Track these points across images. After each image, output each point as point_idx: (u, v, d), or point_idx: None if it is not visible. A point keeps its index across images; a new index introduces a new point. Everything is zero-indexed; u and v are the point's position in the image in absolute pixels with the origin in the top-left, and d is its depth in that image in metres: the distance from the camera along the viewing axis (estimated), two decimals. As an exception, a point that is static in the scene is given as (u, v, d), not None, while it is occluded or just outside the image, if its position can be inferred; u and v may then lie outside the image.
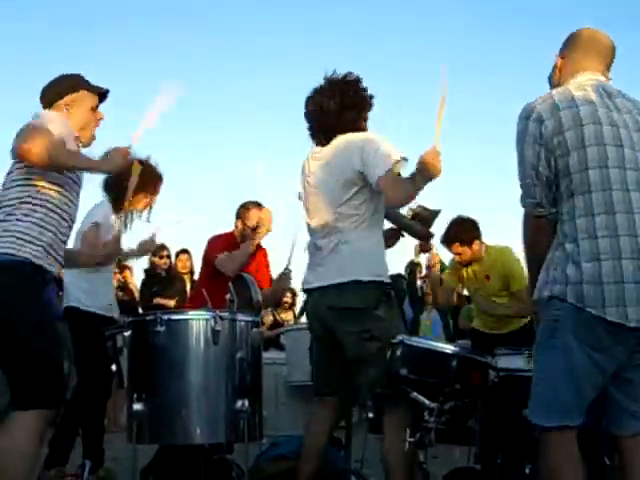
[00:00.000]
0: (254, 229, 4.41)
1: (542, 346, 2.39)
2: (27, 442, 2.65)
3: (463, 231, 4.84)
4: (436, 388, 2.84)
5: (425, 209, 3.28)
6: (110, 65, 11.78)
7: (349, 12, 14.01)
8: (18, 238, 2.74)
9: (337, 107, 3.18)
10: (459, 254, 4.91)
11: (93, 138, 3.11)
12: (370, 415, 3.32)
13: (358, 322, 3.02)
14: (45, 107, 3.02)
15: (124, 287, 7.49)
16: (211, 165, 14.38)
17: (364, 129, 3.22)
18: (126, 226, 4.17)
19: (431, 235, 3.74)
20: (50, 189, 2.82)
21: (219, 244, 4.46)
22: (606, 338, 2.26)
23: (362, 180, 3.06)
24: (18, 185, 2.81)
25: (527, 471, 3.02)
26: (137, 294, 7.74)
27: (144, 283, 7.91)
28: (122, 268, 7.26)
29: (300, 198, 3.33)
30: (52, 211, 2.83)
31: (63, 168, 2.79)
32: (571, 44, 2.59)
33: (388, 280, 3.15)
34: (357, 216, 3.10)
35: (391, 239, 3.55)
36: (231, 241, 4.51)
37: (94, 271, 3.97)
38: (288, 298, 8.62)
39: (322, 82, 3.26)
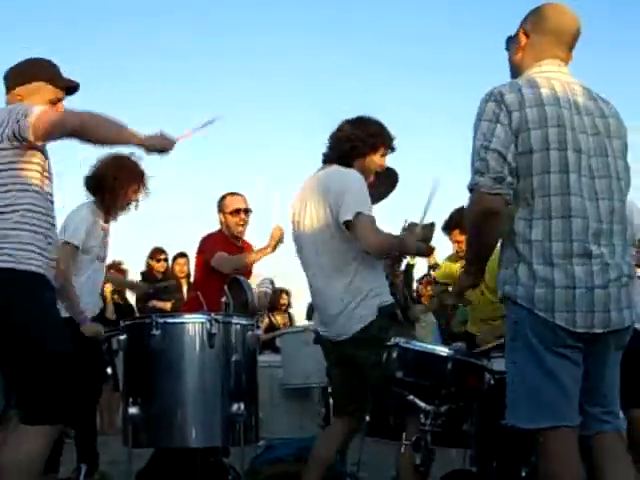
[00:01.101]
0: (234, 212, 4.55)
1: (510, 350, 2.40)
2: (43, 447, 2.63)
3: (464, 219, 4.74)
4: (432, 391, 2.83)
5: (422, 227, 3.28)
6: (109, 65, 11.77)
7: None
8: (15, 249, 2.61)
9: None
10: (458, 242, 4.88)
11: None
12: (367, 418, 3.33)
13: (374, 349, 3.02)
14: (7, 90, 2.84)
15: (119, 290, 7.46)
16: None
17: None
18: (113, 220, 4.17)
19: (432, 250, 3.71)
20: (33, 191, 2.68)
21: (211, 241, 4.55)
22: (564, 336, 2.27)
23: None
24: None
25: (523, 474, 3.02)
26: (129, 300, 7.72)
27: (140, 286, 7.90)
28: (117, 269, 7.24)
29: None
30: (39, 213, 2.69)
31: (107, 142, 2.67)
32: (536, 25, 2.50)
33: (390, 301, 3.20)
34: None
35: (391, 265, 3.56)
36: (222, 237, 4.61)
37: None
38: (284, 300, 8.61)
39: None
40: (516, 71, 2.54)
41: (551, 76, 2.42)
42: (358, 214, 3.02)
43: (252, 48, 13.94)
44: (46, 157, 2.76)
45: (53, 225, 2.79)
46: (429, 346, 3.01)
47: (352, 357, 3.13)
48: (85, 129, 2.58)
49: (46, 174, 2.75)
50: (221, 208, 4.64)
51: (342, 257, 3.14)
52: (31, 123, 2.56)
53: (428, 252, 3.57)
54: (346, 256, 3.14)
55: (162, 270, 7.95)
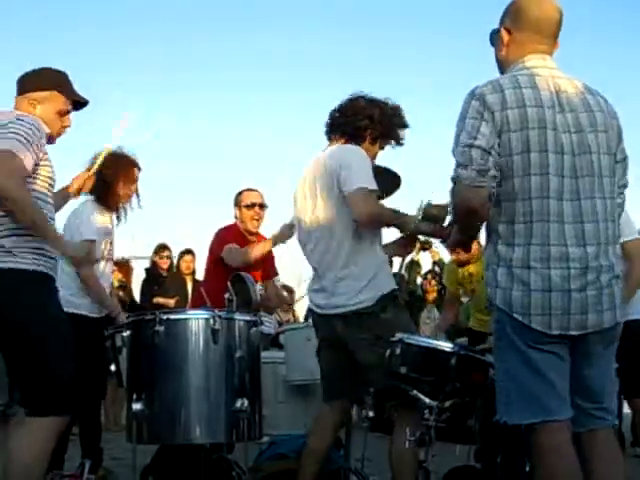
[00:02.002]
0: (250, 206, 4.58)
1: (496, 349, 2.41)
2: (45, 442, 2.67)
3: None
4: (436, 386, 2.83)
5: (434, 206, 3.25)
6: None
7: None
8: (13, 254, 2.68)
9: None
10: (457, 252, 4.91)
11: (53, 141, 2.98)
12: (370, 414, 3.32)
13: (367, 327, 3.05)
14: (18, 93, 2.93)
15: (124, 287, 7.48)
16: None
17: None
18: (119, 220, 4.18)
19: (447, 232, 3.60)
20: (41, 198, 2.78)
21: (227, 235, 4.58)
22: (542, 336, 2.27)
23: None
24: None
25: (527, 469, 3.01)
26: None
27: (145, 282, 7.92)
28: (120, 267, 7.25)
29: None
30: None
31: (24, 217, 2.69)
32: (517, 20, 2.46)
33: (394, 286, 3.21)
34: None
35: (404, 247, 3.54)
36: (235, 231, 4.64)
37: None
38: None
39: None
40: (502, 67, 2.53)
41: (535, 72, 2.38)
42: (358, 188, 3.04)
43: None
44: (50, 165, 2.84)
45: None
46: (433, 341, 3.01)
47: (343, 337, 3.15)
48: (14, 203, 2.62)
49: (46, 178, 2.81)
50: (237, 202, 4.69)
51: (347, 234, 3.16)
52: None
53: (442, 233, 3.30)
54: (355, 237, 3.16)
55: (166, 266, 7.98)
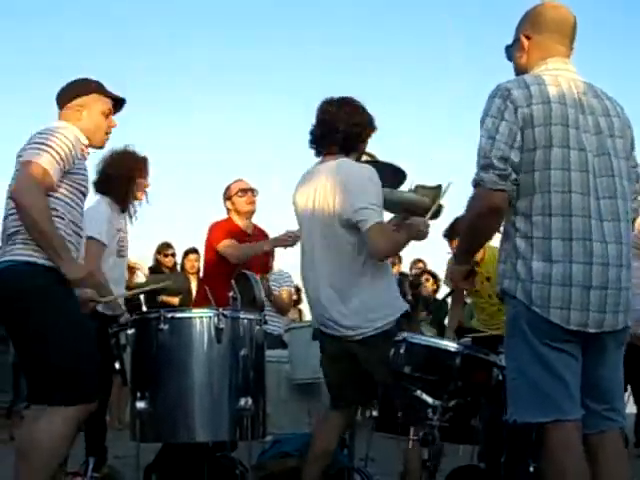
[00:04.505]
0: (241, 192, 4.61)
1: (508, 346, 2.41)
2: (64, 426, 2.74)
3: None
4: (440, 386, 2.83)
5: (425, 187, 3.24)
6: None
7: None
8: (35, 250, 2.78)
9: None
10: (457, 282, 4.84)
11: (104, 143, 3.15)
12: (375, 413, 3.32)
13: (381, 348, 3.00)
14: (60, 107, 3.06)
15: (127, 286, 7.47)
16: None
17: None
18: (131, 217, 4.19)
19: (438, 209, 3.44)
20: (67, 202, 2.87)
21: (220, 229, 4.58)
22: (559, 332, 2.27)
23: None
24: None
25: (531, 469, 3.01)
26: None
27: (149, 281, 7.91)
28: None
29: None
30: (65, 219, 2.87)
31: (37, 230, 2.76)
32: (535, 25, 2.52)
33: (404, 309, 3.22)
34: None
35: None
36: (230, 225, 4.64)
37: None
38: (294, 295, 8.49)
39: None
40: (523, 74, 2.53)
41: (558, 74, 2.42)
42: (374, 225, 2.99)
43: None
44: (83, 173, 2.97)
45: (77, 234, 2.97)
46: (437, 341, 3.00)
47: (355, 354, 3.13)
48: (21, 208, 2.73)
49: (78, 185, 2.93)
50: (227, 195, 4.70)
51: (355, 257, 3.12)
52: (20, 161, 2.78)
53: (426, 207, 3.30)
54: (360, 256, 3.11)
55: (170, 265, 7.96)
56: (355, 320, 3.10)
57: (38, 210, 2.72)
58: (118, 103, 3.16)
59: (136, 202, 4.16)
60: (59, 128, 2.91)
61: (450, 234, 4.86)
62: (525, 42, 2.53)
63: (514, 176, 2.29)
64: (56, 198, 2.84)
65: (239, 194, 4.63)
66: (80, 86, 3.08)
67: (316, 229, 3.20)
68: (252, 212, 4.69)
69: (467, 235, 2.56)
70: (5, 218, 2.91)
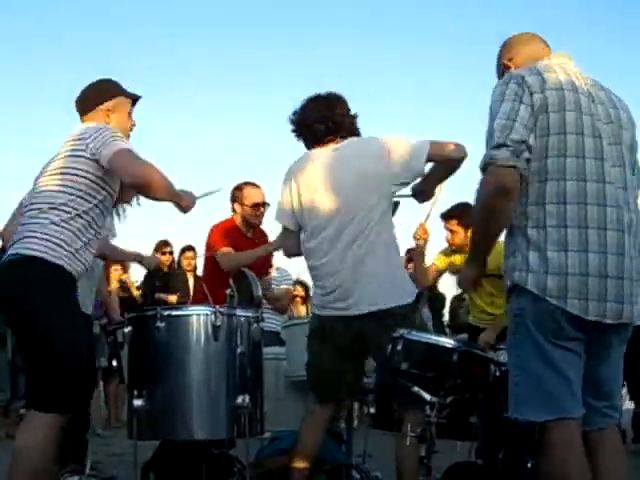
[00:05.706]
0: (254, 206, 4.51)
1: (511, 343, 2.38)
2: (45, 440, 2.67)
3: (466, 214, 4.53)
4: (437, 382, 2.82)
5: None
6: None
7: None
8: (52, 242, 2.75)
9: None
10: (452, 232, 4.77)
11: None
12: (372, 410, 3.32)
13: (409, 319, 3.04)
14: (82, 114, 3.02)
15: (125, 286, 7.48)
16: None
17: None
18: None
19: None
20: (96, 204, 2.85)
21: (220, 232, 4.51)
22: (567, 327, 2.25)
23: None
24: (60, 190, 2.80)
25: (529, 466, 3.00)
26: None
27: (146, 279, 7.91)
28: (124, 267, 7.25)
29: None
30: (89, 226, 2.85)
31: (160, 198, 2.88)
32: (513, 47, 2.58)
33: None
34: None
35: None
36: (231, 227, 4.57)
37: None
38: (301, 292, 8.37)
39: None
40: None
41: (564, 66, 2.41)
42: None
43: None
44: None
45: (98, 239, 2.97)
46: (434, 337, 3.00)
47: (364, 339, 3.11)
48: (149, 187, 2.79)
49: (111, 192, 2.92)
50: (238, 198, 4.56)
51: (380, 234, 3.12)
52: (109, 157, 2.76)
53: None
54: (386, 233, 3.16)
55: (168, 263, 7.96)
56: (384, 294, 3.08)
57: (158, 180, 2.79)
58: (135, 101, 3.14)
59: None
60: (108, 128, 2.88)
61: (449, 212, 4.79)
62: (510, 64, 2.54)
63: (527, 154, 2.22)
64: (94, 205, 2.84)
65: (251, 206, 4.52)
66: (106, 90, 3.05)
67: (342, 208, 3.14)
68: (258, 225, 4.63)
69: (479, 227, 2.42)
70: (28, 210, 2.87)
